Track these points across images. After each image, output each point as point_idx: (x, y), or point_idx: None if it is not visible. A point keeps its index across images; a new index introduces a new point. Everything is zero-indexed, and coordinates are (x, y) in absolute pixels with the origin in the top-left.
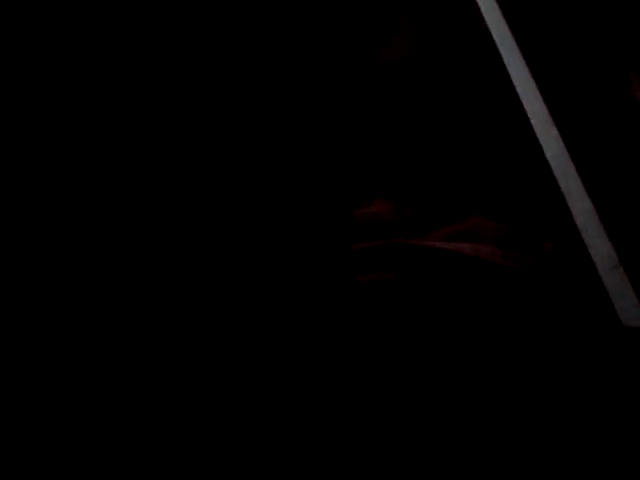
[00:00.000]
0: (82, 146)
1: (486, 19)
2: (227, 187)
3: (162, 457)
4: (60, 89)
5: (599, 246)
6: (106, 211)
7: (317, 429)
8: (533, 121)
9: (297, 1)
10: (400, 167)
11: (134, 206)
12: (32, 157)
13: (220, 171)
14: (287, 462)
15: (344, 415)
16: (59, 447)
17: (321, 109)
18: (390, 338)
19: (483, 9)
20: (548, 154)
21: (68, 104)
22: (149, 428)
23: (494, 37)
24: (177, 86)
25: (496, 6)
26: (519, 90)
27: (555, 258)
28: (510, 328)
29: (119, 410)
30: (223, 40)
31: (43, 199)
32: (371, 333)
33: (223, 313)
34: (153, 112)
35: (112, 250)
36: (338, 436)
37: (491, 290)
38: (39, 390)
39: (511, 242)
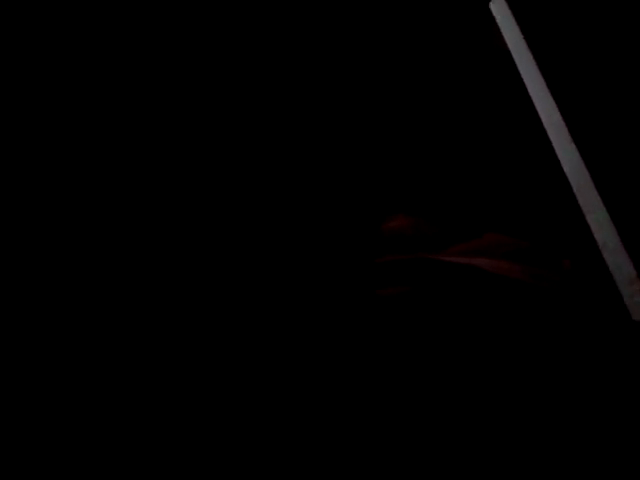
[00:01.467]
0: (82, 146)
1: (502, 30)
2: (244, 194)
3: (162, 457)
4: (60, 89)
5: (618, 262)
6: (106, 211)
7: (329, 434)
8: (551, 136)
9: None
10: (420, 182)
11: (139, 206)
12: (32, 157)
13: (235, 176)
14: (291, 462)
15: (357, 420)
16: (59, 447)
17: (339, 117)
18: (410, 351)
19: (499, 20)
20: (566, 169)
21: (68, 104)
22: (149, 428)
23: (512, 54)
24: (188, 87)
25: (511, 15)
26: (537, 105)
27: (574, 274)
28: (528, 344)
29: (119, 410)
30: (229, 46)
31: (43, 199)
32: (390, 346)
33: (237, 319)
34: (154, 112)
35: (112, 250)
36: (349, 440)
37: (510, 306)
38: (39, 390)
39: (530, 258)
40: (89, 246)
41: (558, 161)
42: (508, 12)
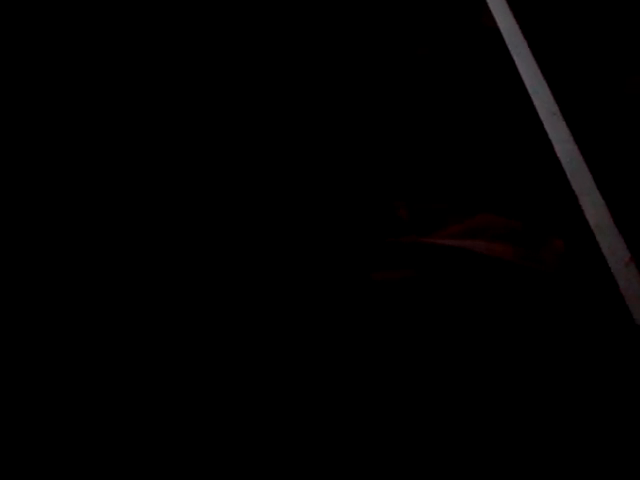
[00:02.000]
0: (82, 146)
1: (497, 20)
2: (240, 186)
3: (162, 457)
4: (61, 89)
5: (611, 243)
6: (106, 211)
7: (327, 424)
8: (543, 118)
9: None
10: (410, 165)
11: (145, 205)
12: (32, 157)
13: (231, 168)
14: (292, 461)
15: (353, 410)
16: (59, 447)
17: (332, 107)
18: (403, 335)
19: (494, 11)
20: (559, 151)
21: (68, 104)
22: (149, 428)
23: (504, 35)
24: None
25: (507, 8)
26: (528, 86)
27: (567, 255)
28: (523, 325)
29: (119, 409)
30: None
31: (43, 199)
32: (384, 330)
33: (234, 310)
34: (154, 112)
35: (112, 250)
36: (347, 431)
37: (504, 287)
38: (39, 390)
39: (523, 239)
40: (89, 246)
41: (550, 143)
42: None
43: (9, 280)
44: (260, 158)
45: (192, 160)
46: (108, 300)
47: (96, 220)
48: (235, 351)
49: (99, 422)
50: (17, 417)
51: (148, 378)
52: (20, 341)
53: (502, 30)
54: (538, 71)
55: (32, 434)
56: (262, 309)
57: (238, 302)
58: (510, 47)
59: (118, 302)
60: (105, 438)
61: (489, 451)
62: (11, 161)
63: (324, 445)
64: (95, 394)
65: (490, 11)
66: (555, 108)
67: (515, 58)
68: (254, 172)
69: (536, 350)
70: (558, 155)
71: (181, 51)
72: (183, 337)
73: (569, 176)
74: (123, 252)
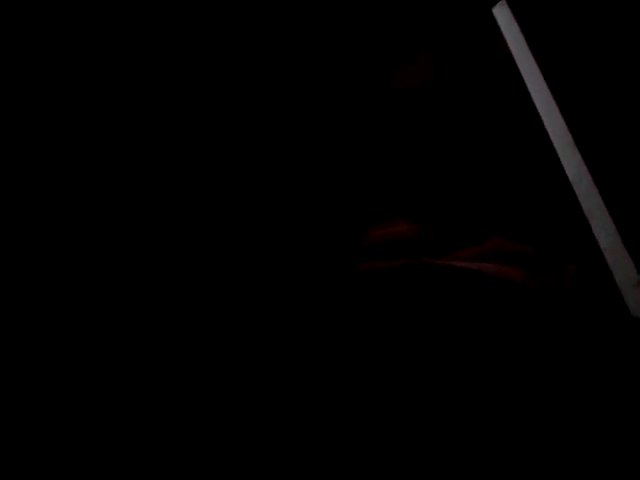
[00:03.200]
0: (82, 146)
1: (509, 44)
2: (231, 189)
3: (162, 457)
4: (60, 89)
5: (621, 266)
6: (106, 211)
7: (319, 427)
8: (555, 142)
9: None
10: (422, 187)
11: (140, 207)
12: (32, 157)
13: (222, 172)
14: (287, 461)
15: (346, 414)
16: (59, 447)
17: (337, 124)
18: (411, 356)
19: (504, 31)
20: (570, 175)
21: (68, 104)
22: (149, 428)
23: (516, 59)
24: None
25: (518, 29)
26: (540, 110)
27: (579, 280)
28: (532, 348)
29: (119, 410)
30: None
31: (43, 199)
32: (391, 350)
33: (226, 312)
34: (154, 112)
35: (112, 250)
36: (339, 434)
37: (514, 310)
38: (39, 390)
39: (535, 264)
40: (89, 246)
41: (562, 167)
42: (511, 17)
43: (9, 280)
44: (264, 161)
45: (191, 161)
46: (108, 300)
47: (96, 220)
48: (228, 347)
49: (99, 422)
50: (17, 417)
51: (148, 378)
52: (20, 341)
53: (515, 57)
54: (547, 90)
55: (32, 434)
56: (257, 305)
57: (231, 298)
58: (523, 74)
59: (118, 302)
60: (105, 438)
61: (483, 452)
62: (11, 161)
63: (315, 440)
64: (95, 394)
65: (504, 38)
66: (569, 136)
67: (528, 85)
68: (257, 172)
69: (542, 370)
70: (569, 179)
71: (181, 51)
72: (177, 333)
73: (580, 200)
74: (123, 252)
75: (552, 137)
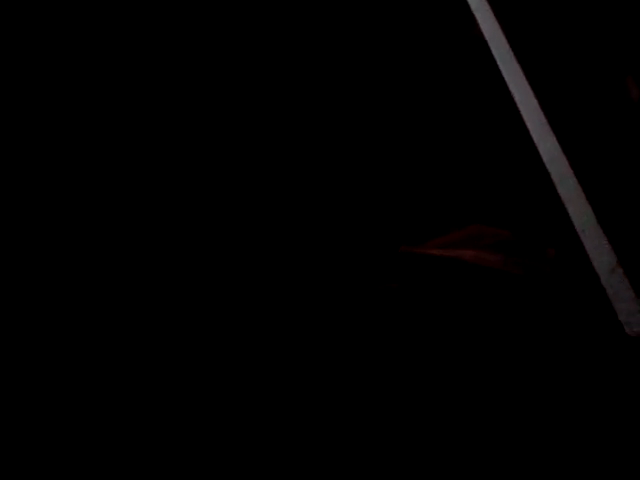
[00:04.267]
0: (82, 146)
1: (482, 27)
2: (230, 181)
3: (162, 457)
4: (61, 89)
5: (598, 249)
6: (106, 211)
7: (320, 427)
8: (530, 126)
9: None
10: (400, 176)
11: (145, 205)
12: (32, 157)
13: (226, 167)
14: (289, 461)
15: (346, 414)
16: (59, 447)
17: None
18: (394, 345)
19: (478, 17)
20: (545, 159)
21: (68, 104)
22: (149, 428)
23: (490, 46)
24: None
25: (491, 14)
26: (515, 96)
27: (558, 263)
28: (513, 333)
29: (119, 410)
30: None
31: (43, 199)
32: (376, 340)
33: (229, 312)
34: (154, 113)
35: (112, 251)
36: (340, 434)
37: (494, 296)
38: (39, 390)
39: (513, 248)
40: (89, 246)
41: (537, 151)
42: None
43: (9, 280)
44: (262, 163)
45: (193, 164)
46: (108, 300)
47: (96, 220)
48: (235, 353)
49: (99, 422)
50: (17, 417)
51: (148, 378)
52: (20, 341)
53: (489, 41)
54: (525, 81)
55: (32, 434)
56: (263, 310)
57: (242, 305)
58: (497, 57)
59: (118, 302)
60: (105, 438)
61: (477, 454)
62: (11, 161)
63: (325, 445)
64: (95, 394)
65: (477, 20)
66: (542, 116)
67: (502, 68)
68: (257, 176)
69: (524, 355)
70: (545, 163)
71: (181, 51)
72: (191, 338)
73: (556, 183)
74: (123, 252)
75: (526, 120)
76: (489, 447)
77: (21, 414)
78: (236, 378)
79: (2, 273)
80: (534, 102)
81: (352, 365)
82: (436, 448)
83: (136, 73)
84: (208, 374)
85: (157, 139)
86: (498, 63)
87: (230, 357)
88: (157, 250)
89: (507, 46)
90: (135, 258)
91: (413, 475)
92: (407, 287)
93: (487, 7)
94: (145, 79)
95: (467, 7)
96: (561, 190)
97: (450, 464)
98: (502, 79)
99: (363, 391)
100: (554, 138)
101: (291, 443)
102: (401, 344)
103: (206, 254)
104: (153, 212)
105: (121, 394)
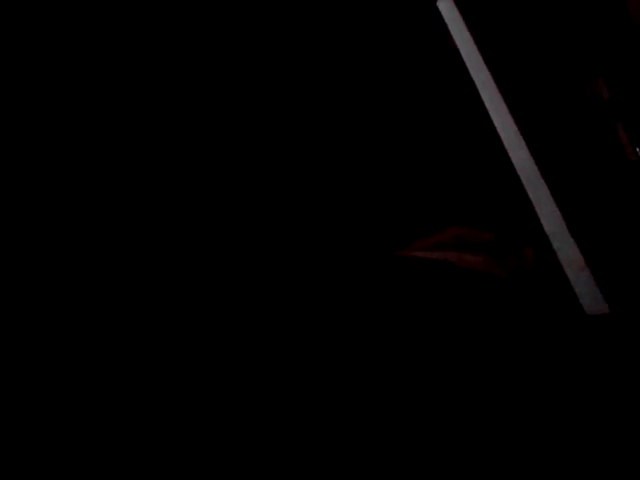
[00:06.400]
0: (82, 146)
1: (454, 38)
2: (227, 179)
3: (162, 457)
4: (60, 89)
5: (567, 250)
6: (106, 211)
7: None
8: (502, 134)
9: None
10: (378, 178)
11: (145, 205)
12: (32, 157)
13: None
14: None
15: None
16: (59, 447)
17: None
18: (379, 347)
19: (450, 25)
20: (517, 165)
21: (68, 104)
22: (149, 428)
23: (461, 53)
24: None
25: (463, 23)
26: (487, 104)
27: (535, 263)
28: (494, 333)
29: (119, 410)
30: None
31: (43, 199)
32: (362, 343)
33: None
34: (163, 112)
35: (112, 251)
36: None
37: (476, 297)
38: (39, 390)
39: (493, 249)
40: (89, 246)
41: (509, 157)
42: (456, 11)
43: (9, 280)
44: (261, 160)
45: (195, 162)
46: (108, 300)
47: (96, 220)
48: (236, 349)
49: (99, 422)
50: (17, 417)
51: (148, 378)
52: (20, 341)
53: (461, 51)
54: (498, 92)
55: (32, 434)
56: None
57: (240, 301)
58: (470, 68)
59: (118, 302)
60: (105, 438)
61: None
62: (11, 161)
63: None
64: (95, 394)
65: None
66: (515, 129)
67: (475, 79)
68: (256, 174)
69: (505, 354)
70: (516, 167)
71: (181, 51)
72: (192, 338)
73: (525, 186)
74: (123, 252)
75: (499, 130)
76: (480, 440)
77: (21, 414)
78: (235, 375)
79: (2, 273)
80: (506, 111)
81: (340, 368)
82: (426, 446)
83: (136, 73)
84: (209, 360)
85: (157, 139)
86: (471, 74)
87: (226, 357)
88: (156, 241)
89: (479, 57)
90: (135, 257)
91: (412, 469)
92: (392, 289)
93: (460, 18)
94: (145, 79)
95: (442, 20)
96: (531, 194)
97: (439, 458)
98: (473, 86)
99: (353, 393)
100: (525, 146)
101: (294, 435)
102: (388, 345)
103: (203, 253)
104: (153, 211)
105: (121, 394)
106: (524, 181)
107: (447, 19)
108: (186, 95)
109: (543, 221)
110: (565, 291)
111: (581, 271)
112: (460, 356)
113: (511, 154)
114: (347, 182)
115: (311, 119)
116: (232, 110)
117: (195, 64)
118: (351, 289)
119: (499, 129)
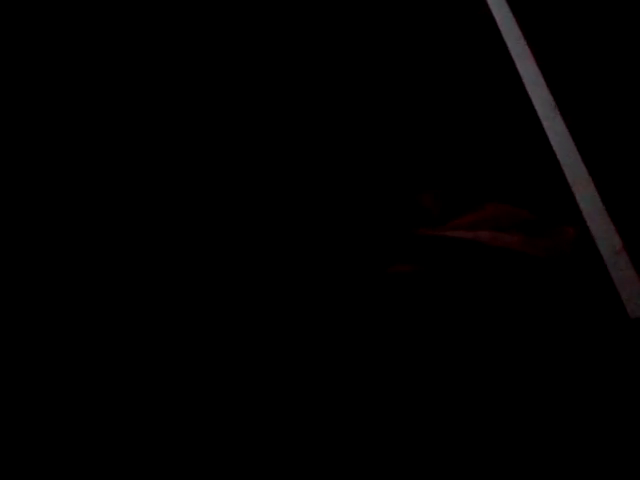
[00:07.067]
0: (82, 146)
1: (493, 13)
2: (235, 174)
3: (162, 457)
4: (61, 89)
5: (603, 231)
6: (106, 211)
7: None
8: (539, 112)
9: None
10: (418, 159)
11: (146, 205)
12: (32, 157)
13: (228, 157)
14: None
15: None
16: (59, 447)
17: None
18: (411, 328)
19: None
20: (553, 141)
21: (69, 104)
22: (149, 428)
23: (500, 29)
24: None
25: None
26: (526, 80)
27: (578, 244)
28: (530, 317)
29: (119, 410)
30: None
31: (43, 199)
32: (393, 323)
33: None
34: (163, 112)
35: (112, 251)
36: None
37: (511, 279)
38: (39, 390)
39: (532, 228)
40: (89, 246)
41: (546, 135)
42: None
43: (9, 280)
44: (276, 150)
45: (195, 161)
46: (108, 300)
47: (96, 220)
48: (242, 345)
49: (99, 422)
50: (17, 417)
51: (148, 378)
52: (20, 341)
53: (499, 23)
54: (535, 65)
55: (32, 434)
56: (274, 301)
57: (248, 295)
58: (507, 41)
59: (118, 302)
60: (105, 438)
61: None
62: (11, 161)
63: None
64: (95, 394)
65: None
66: (551, 101)
67: (512, 52)
68: (269, 164)
69: (537, 338)
70: (553, 145)
71: (181, 51)
72: (190, 336)
73: (563, 166)
74: (123, 252)
75: (535, 103)
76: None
77: (21, 414)
78: (240, 367)
79: (2, 273)
80: (544, 87)
81: (363, 353)
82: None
83: (136, 73)
84: (211, 356)
85: (157, 139)
86: (508, 46)
87: (235, 345)
88: (157, 240)
89: (516, 25)
90: (135, 257)
91: (417, 465)
92: (421, 270)
93: None
94: (145, 79)
95: None
96: (568, 173)
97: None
98: (514, 67)
99: (372, 382)
100: (562, 122)
101: (297, 430)
102: (414, 329)
103: (209, 244)
104: (152, 210)
105: (121, 394)
106: (561, 160)
107: None
108: (186, 95)
109: (580, 202)
110: (606, 283)
111: (618, 255)
112: (487, 339)
113: (548, 132)
114: (381, 157)
115: (349, 83)
116: (232, 110)
117: (195, 64)
118: (378, 270)
119: (536, 106)
